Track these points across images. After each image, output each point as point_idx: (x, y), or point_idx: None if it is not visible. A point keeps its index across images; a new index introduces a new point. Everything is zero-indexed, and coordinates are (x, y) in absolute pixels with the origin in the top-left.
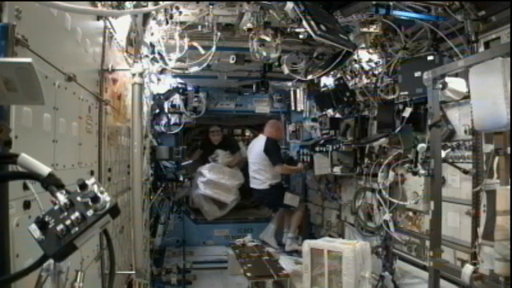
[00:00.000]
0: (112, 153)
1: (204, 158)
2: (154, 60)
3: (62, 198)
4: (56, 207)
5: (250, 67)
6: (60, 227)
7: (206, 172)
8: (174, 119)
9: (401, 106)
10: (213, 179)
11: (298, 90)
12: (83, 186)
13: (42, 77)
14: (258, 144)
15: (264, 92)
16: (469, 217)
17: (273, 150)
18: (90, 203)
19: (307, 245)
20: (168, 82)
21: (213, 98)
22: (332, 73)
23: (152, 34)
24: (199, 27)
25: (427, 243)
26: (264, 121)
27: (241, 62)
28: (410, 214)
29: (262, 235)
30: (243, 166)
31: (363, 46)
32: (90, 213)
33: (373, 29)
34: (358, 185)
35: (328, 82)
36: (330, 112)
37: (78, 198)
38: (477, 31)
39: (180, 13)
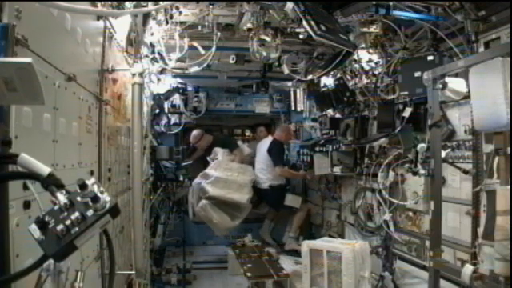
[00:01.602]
0: (112, 153)
1: (205, 158)
2: (153, 60)
3: (61, 198)
4: (56, 207)
5: (250, 67)
6: (60, 227)
7: (213, 171)
8: (174, 119)
9: (401, 106)
10: (222, 177)
11: (298, 90)
12: (83, 186)
13: (42, 77)
14: (265, 144)
15: (264, 92)
16: (469, 217)
17: (276, 152)
18: (90, 203)
19: (306, 245)
20: (168, 82)
21: (213, 98)
22: (332, 73)
23: (152, 34)
24: (199, 27)
25: (427, 243)
26: (264, 121)
27: (241, 62)
28: (410, 214)
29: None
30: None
31: (363, 46)
32: (90, 213)
33: (373, 29)
34: (358, 185)
35: (328, 82)
36: (330, 112)
37: (78, 198)
38: (477, 31)
39: (180, 13)
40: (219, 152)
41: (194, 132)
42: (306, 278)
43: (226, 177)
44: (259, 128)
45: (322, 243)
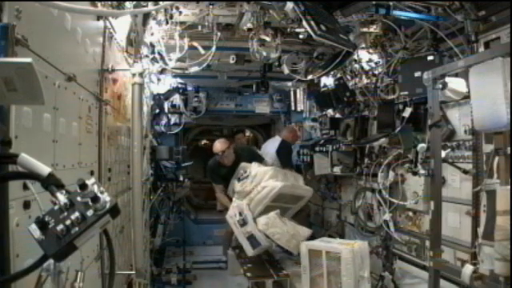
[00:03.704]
0: (112, 153)
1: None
2: (153, 60)
3: (62, 198)
4: (56, 207)
5: (250, 67)
6: (60, 227)
7: (260, 168)
8: (174, 119)
9: (401, 106)
10: (277, 169)
11: (298, 90)
12: (83, 186)
13: (42, 77)
14: (273, 144)
15: (264, 92)
16: (469, 217)
17: (284, 153)
18: (90, 203)
19: (305, 246)
20: (168, 82)
21: (213, 98)
22: (332, 73)
23: (152, 34)
24: (199, 27)
25: (427, 243)
26: (264, 121)
27: (241, 62)
28: (410, 214)
29: None
30: None
31: (363, 46)
32: (90, 213)
33: (373, 29)
34: (358, 185)
35: (328, 82)
36: (330, 112)
37: (78, 198)
38: (477, 31)
39: (180, 13)
40: (250, 166)
41: (220, 140)
42: (305, 279)
43: (279, 169)
44: (238, 135)
45: (321, 244)
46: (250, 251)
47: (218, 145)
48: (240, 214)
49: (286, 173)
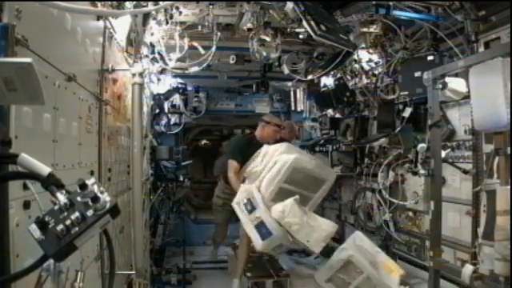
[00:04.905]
0: (112, 153)
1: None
2: (153, 60)
3: (62, 198)
4: (56, 207)
5: (250, 67)
6: (60, 227)
7: (270, 147)
8: (174, 119)
9: (401, 106)
10: (290, 145)
11: (298, 90)
12: (83, 186)
13: (42, 77)
14: None
15: (264, 92)
16: (469, 217)
17: None
18: (90, 203)
19: (345, 254)
20: (168, 82)
21: (213, 98)
22: (332, 73)
23: (152, 34)
24: (199, 27)
25: (427, 243)
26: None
27: (241, 62)
28: (410, 214)
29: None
30: None
31: (363, 46)
32: (90, 213)
33: (373, 29)
34: (358, 185)
35: (328, 81)
36: (330, 112)
37: (78, 198)
38: (477, 31)
39: (180, 13)
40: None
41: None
42: (326, 272)
43: (292, 145)
44: (225, 142)
45: (366, 265)
46: (258, 243)
47: (278, 117)
48: (247, 199)
49: (300, 150)
